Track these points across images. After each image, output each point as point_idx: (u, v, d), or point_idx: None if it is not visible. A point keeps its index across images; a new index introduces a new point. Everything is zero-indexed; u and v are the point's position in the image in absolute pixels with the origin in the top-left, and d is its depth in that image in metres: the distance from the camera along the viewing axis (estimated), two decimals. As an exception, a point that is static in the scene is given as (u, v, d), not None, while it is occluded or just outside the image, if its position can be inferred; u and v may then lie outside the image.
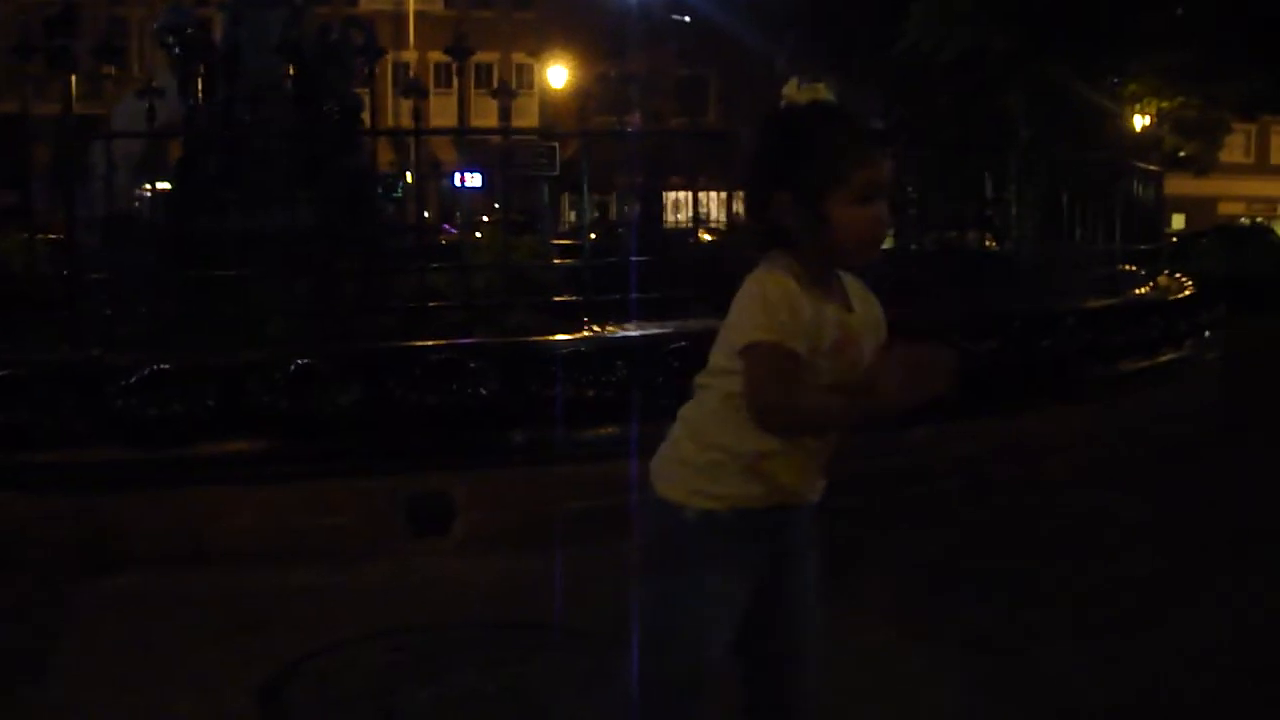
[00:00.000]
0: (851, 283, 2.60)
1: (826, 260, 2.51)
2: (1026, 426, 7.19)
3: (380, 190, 11.31)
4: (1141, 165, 11.72)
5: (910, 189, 10.76)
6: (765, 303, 2.42)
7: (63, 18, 7.76)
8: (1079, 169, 10.05)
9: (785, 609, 2.65)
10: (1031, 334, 7.56)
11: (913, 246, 9.82)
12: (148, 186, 9.95)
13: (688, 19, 36.16)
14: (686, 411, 2.61)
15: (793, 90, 2.53)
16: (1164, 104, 25.80)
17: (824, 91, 2.52)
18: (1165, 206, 14.07)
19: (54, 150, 7.03)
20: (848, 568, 5.50)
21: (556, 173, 9.42)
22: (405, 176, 14.17)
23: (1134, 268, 10.93)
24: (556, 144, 9.40)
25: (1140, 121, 25.61)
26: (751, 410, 2.45)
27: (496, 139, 8.31)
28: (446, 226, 16.32)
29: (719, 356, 2.53)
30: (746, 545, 2.55)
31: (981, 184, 10.45)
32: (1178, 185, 26.25)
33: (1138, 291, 10.17)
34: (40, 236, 7.22)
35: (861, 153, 2.47)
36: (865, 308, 2.60)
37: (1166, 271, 11.79)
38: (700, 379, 2.59)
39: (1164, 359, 8.71)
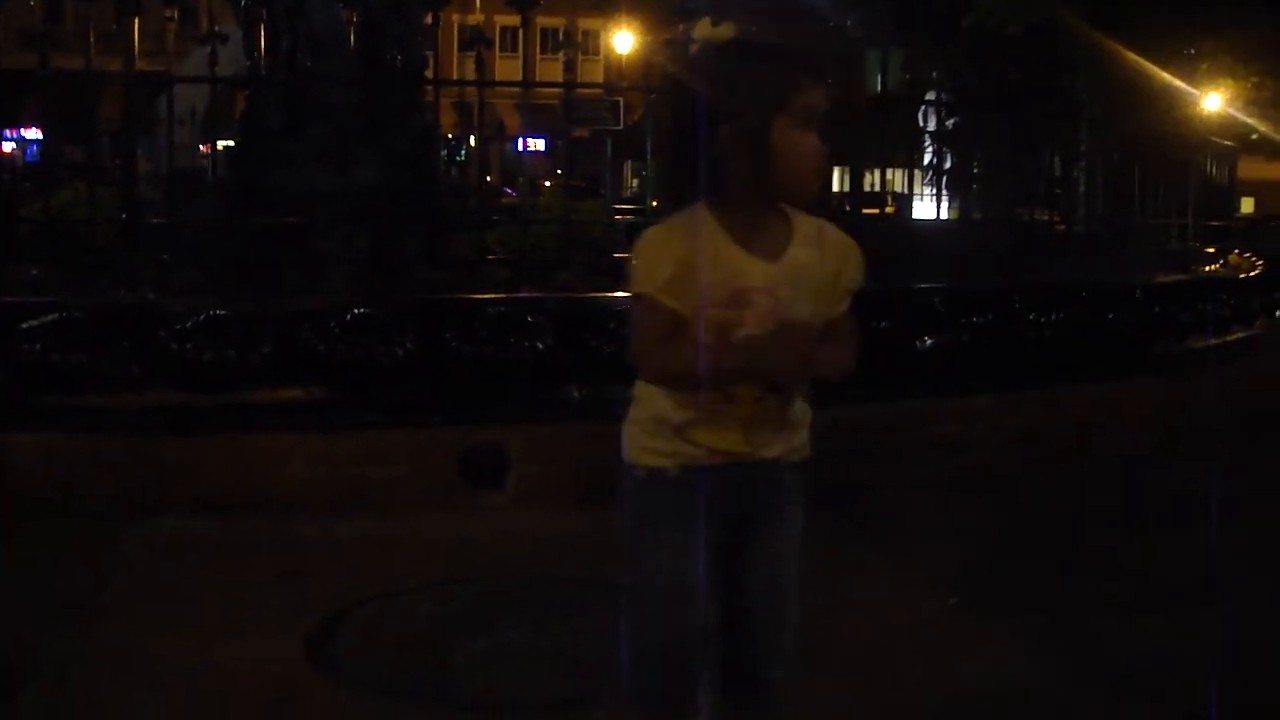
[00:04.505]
0: (810, 229, 2.53)
1: (765, 199, 2.48)
2: (1089, 399, 7.06)
3: (444, 153, 11.29)
4: (1215, 140, 11.53)
5: (975, 165, 10.63)
6: (642, 257, 2.46)
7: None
8: (1149, 143, 9.87)
9: (755, 566, 2.62)
10: (1096, 307, 7.42)
11: (975, 215, 9.72)
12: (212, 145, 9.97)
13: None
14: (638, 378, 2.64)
15: (707, 29, 2.49)
16: (1238, 83, 25.40)
17: (733, 30, 2.48)
18: (1236, 185, 13.87)
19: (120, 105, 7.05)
20: (900, 535, 5.46)
21: (619, 126, 9.36)
22: (469, 141, 14.20)
23: (1204, 245, 10.77)
24: (620, 99, 9.35)
25: (1214, 101, 25.18)
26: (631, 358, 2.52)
27: (560, 98, 8.24)
28: (508, 190, 16.29)
29: None
30: (699, 499, 2.53)
31: (1050, 161, 10.30)
32: (1249, 169, 25.84)
33: (1208, 268, 10.02)
34: (104, 189, 7.24)
35: (797, 79, 2.46)
36: (814, 255, 2.51)
37: (1237, 250, 11.61)
38: None
39: (1234, 336, 8.55)
